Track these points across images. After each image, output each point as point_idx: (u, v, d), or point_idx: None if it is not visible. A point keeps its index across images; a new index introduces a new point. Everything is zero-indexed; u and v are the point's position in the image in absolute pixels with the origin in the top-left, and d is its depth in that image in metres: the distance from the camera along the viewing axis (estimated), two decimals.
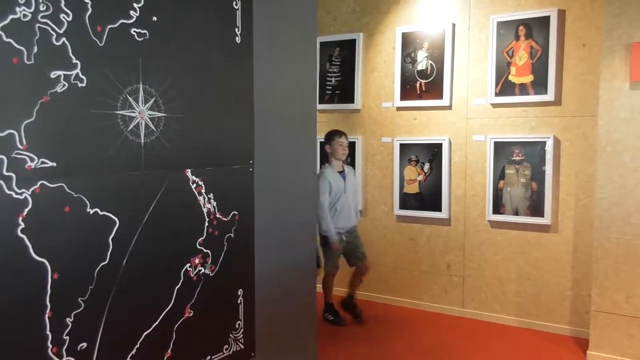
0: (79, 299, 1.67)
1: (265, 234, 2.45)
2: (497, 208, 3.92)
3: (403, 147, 4.29)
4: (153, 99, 1.87)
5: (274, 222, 2.53)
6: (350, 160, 4.58)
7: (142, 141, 1.85)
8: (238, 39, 2.25)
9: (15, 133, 1.48)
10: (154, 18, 1.86)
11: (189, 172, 2.03)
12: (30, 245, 1.53)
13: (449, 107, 4.15)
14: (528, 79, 3.80)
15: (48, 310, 1.57)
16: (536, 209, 3.78)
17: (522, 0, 3.83)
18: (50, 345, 1.60)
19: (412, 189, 4.29)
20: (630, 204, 3.18)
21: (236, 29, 2.24)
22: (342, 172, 4.02)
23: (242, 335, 2.35)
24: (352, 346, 3.63)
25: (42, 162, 1.55)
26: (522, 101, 3.83)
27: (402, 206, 4.33)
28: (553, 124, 3.77)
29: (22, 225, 1.51)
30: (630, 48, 3.12)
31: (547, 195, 3.75)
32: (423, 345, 3.60)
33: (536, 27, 3.74)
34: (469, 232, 4.12)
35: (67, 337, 1.64)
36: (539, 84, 3.76)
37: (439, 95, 4.15)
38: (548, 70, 3.71)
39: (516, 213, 3.85)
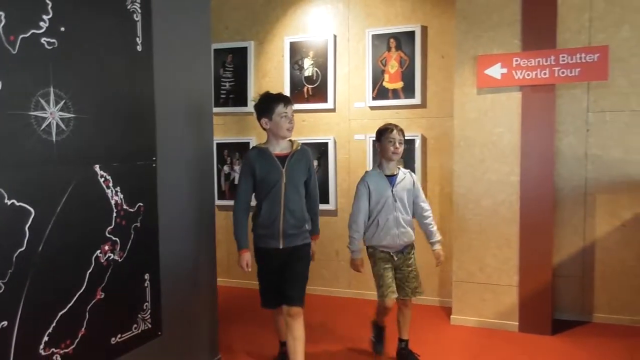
0: (11, 277, 1.85)
1: (169, 224, 2.71)
2: None
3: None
4: (63, 102, 2.08)
5: (176, 214, 2.79)
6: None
7: (54, 139, 2.05)
8: (139, 48, 2.50)
9: None
10: (62, 29, 2.07)
11: (97, 168, 2.26)
12: None
13: (333, 110, 4.62)
14: (399, 85, 4.36)
15: None
16: None
17: (392, 16, 4.40)
18: None
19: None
20: (480, 190, 3.82)
21: (137, 39, 2.49)
22: (392, 177, 3.10)
23: (149, 316, 2.59)
24: (252, 328, 3.94)
25: None
26: (395, 104, 4.38)
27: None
28: (420, 124, 4.36)
29: None
30: (476, 60, 3.75)
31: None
32: (317, 324, 4.00)
33: (404, 40, 4.32)
34: None
35: None
36: (408, 89, 4.34)
37: (324, 99, 4.60)
38: (415, 78, 4.30)
39: None
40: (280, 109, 2.76)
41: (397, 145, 3.05)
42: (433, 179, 4.36)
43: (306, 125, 4.72)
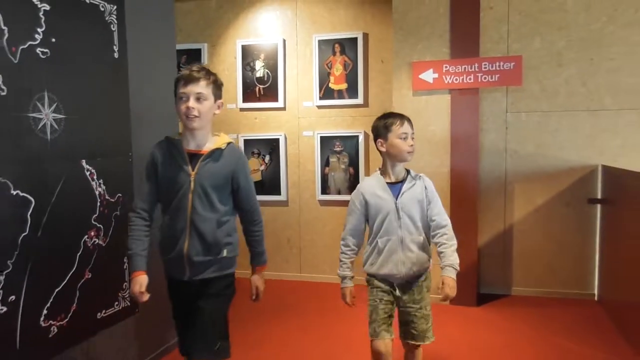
0: (8, 261, 2.12)
1: None
2: (325, 189, 4.87)
3: (247, 142, 5.03)
4: (55, 104, 2.36)
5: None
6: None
7: (49, 137, 2.33)
8: (116, 55, 2.79)
9: None
10: (53, 39, 2.35)
11: (84, 162, 2.54)
12: None
13: (284, 108, 5.00)
14: (343, 86, 4.80)
15: None
16: (354, 188, 4.79)
17: (337, 23, 4.82)
18: None
19: (256, 177, 5.05)
20: None
21: (114, 47, 2.78)
22: (397, 184, 2.35)
23: (128, 295, 2.89)
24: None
25: None
26: (340, 104, 4.82)
27: None
28: (363, 122, 4.82)
29: None
30: (411, 66, 4.25)
31: (362, 177, 4.80)
32: (268, 307, 4.37)
33: (348, 46, 4.76)
34: (303, 211, 5.01)
35: (1, 291, 2.09)
36: (352, 90, 4.78)
37: (275, 99, 4.97)
38: (358, 80, 4.75)
39: (339, 192, 4.85)
40: (177, 89, 2.14)
41: (412, 140, 2.32)
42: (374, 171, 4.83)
43: (257, 123, 5.07)
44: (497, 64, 4.06)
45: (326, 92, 4.83)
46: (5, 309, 2.10)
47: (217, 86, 2.15)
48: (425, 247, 2.35)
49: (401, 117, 2.35)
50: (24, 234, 2.19)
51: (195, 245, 2.10)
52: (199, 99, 2.07)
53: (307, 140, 4.96)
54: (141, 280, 2.12)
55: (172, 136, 2.18)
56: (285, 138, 4.99)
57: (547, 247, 4.38)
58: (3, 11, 2.07)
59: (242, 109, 5.07)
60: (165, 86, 3.30)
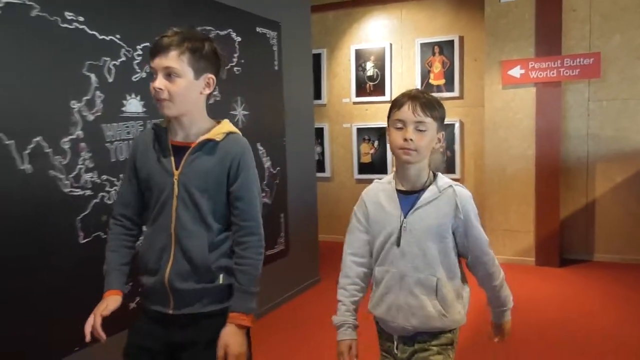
0: None
1: (292, 183, 4.11)
2: None
3: (359, 130, 6.03)
4: (243, 104, 3.48)
5: (295, 177, 4.18)
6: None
7: (240, 127, 3.45)
8: (276, 67, 3.88)
9: None
10: (242, 60, 3.46)
11: (258, 144, 3.66)
12: None
13: (390, 101, 5.92)
14: (442, 81, 5.64)
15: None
16: (450, 168, 5.65)
17: (436, 28, 5.66)
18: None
19: (366, 159, 6.04)
20: (504, 161, 5.08)
21: (275, 62, 3.87)
22: (412, 195, 1.61)
23: (284, 241, 4.00)
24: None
25: None
26: (439, 96, 5.62)
27: (360, 172, 6.08)
28: (459, 112, 5.63)
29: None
30: (501, 64, 5.00)
31: (457, 159, 5.63)
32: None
33: (445, 47, 5.59)
34: None
35: None
36: (449, 85, 5.61)
37: (383, 93, 5.91)
38: (454, 76, 5.57)
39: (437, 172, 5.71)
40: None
41: (415, 132, 1.53)
42: (469, 155, 5.64)
43: (368, 114, 6.05)
44: (578, 60, 4.71)
45: (427, 87, 5.70)
46: None
47: (200, 56, 1.49)
48: (441, 298, 1.57)
49: (407, 98, 1.56)
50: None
51: (179, 268, 1.51)
52: (169, 75, 1.45)
53: None
54: (108, 302, 1.51)
55: (160, 123, 1.59)
56: None
57: (627, 220, 4.96)
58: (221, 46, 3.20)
59: (355, 103, 6.07)
60: (303, 86, 4.37)
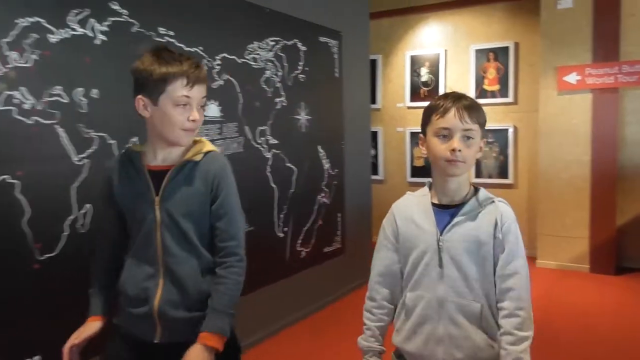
0: (284, 206, 3.50)
1: (350, 184, 4.31)
2: (478, 173, 5.83)
3: (413, 134, 6.17)
4: (307, 109, 3.71)
5: (351, 177, 4.38)
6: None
7: (303, 130, 3.69)
8: (337, 74, 4.10)
9: (268, 128, 3.32)
10: (307, 68, 3.69)
11: (319, 147, 3.88)
12: (272, 177, 3.37)
13: None
14: (496, 87, 5.71)
15: None
16: (503, 173, 5.70)
17: (491, 35, 5.74)
18: None
19: (419, 163, 6.17)
20: (559, 166, 5.11)
21: (335, 69, 4.08)
22: (450, 209, 1.45)
23: (340, 239, 4.20)
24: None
25: (273, 141, 3.39)
26: (493, 102, 5.73)
27: (412, 175, 6.21)
28: (513, 117, 5.68)
29: (269, 168, 3.35)
30: (557, 70, 5.04)
31: (510, 164, 5.68)
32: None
33: (500, 54, 5.66)
34: None
35: (282, 224, 3.48)
36: (503, 90, 5.67)
37: None
38: (508, 82, 5.63)
39: (490, 176, 5.78)
40: (175, 88, 1.41)
41: (461, 142, 1.38)
42: (522, 160, 5.68)
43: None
44: (637, 66, 4.70)
45: (481, 93, 5.78)
46: (282, 234, 3.49)
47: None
48: (487, 326, 1.40)
49: (451, 102, 1.40)
50: (291, 191, 3.57)
51: (170, 297, 1.45)
52: (201, 106, 1.47)
53: None
54: (83, 329, 1.48)
55: (133, 148, 1.55)
56: None
57: None
58: (287, 54, 3.45)
59: (409, 107, 6.21)
60: (361, 91, 4.57)
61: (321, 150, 3.90)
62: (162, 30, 2.54)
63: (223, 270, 1.46)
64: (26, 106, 1.98)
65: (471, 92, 5.85)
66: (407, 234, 1.48)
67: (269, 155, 3.34)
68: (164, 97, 1.40)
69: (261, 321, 3.32)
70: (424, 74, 6.11)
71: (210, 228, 1.49)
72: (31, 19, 1.98)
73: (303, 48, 3.64)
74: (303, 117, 3.68)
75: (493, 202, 1.45)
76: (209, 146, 1.52)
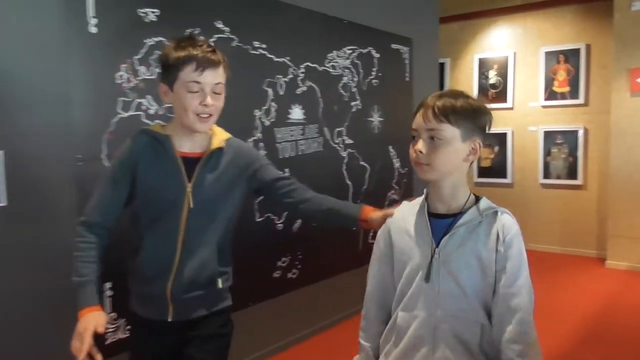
0: (357, 201, 3.80)
1: (418, 183, 4.54)
2: (546, 175, 5.88)
3: None
4: (380, 112, 3.98)
5: None
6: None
7: (376, 131, 3.97)
8: (407, 78, 4.35)
9: (344, 129, 3.63)
10: (380, 74, 3.96)
11: (390, 147, 4.14)
12: (347, 175, 3.68)
13: (511, 108, 6.13)
14: (566, 89, 5.74)
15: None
16: (572, 175, 5.73)
17: (561, 37, 5.78)
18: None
19: (486, 163, 6.29)
20: (631, 168, 5.09)
21: (406, 73, 4.33)
22: (446, 219, 1.31)
23: None
24: None
25: (349, 141, 3.69)
26: (563, 104, 5.77)
27: (479, 176, 6.33)
28: (583, 119, 5.70)
29: (345, 166, 3.66)
30: (630, 71, 5.03)
31: (579, 166, 5.69)
32: None
33: (571, 55, 5.69)
34: (526, 192, 6.09)
35: None
36: (574, 92, 5.70)
37: (505, 100, 6.13)
38: (579, 84, 5.65)
39: (558, 177, 5.81)
40: (186, 74, 1.43)
41: (421, 144, 1.27)
42: (593, 161, 5.68)
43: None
44: None
45: (550, 94, 5.83)
46: (356, 227, 3.78)
47: (229, 70, 1.52)
48: (489, 347, 1.26)
49: (429, 100, 1.30)
50: (364, 187, 3.86)
51: (184, 279, 1.50)
52: (215, 92, 1.46)
53: (531, 135, 6.01)
54: (98, 318, 1.39)
55: (155, 129, 1.53)
56: (512, 132, 6.12)
57: None
58: (362, 61, 3.75)
59: None
60: (430, 94, 4.77)
61: (392, 150, 4.16)
62: (256, 44, 2.90)
63: (308, 191, 1.63)
64: (151, 111, 2.39)
65: (540, 94, 5.92)
66: (401, 246, 1.34)
67: (344, 154, 3.65)
68: (178, 83, 1.43)
69: (339, 304, 3.63)
70: (492, 77, 6.22)
71: (234, 210, 1.59)
72: (156, 39, 2.39)
73: (377, 55, 3.92)
74: (376, 119, 3.96)
75: (495, 212, 1.30)
76: (226, 133, 1.59)
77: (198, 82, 1.42)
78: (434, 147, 1.26)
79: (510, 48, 6.12)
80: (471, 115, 1.27)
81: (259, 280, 3.00)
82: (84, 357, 1.32)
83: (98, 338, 1.37)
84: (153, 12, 2.38)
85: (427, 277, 1.27)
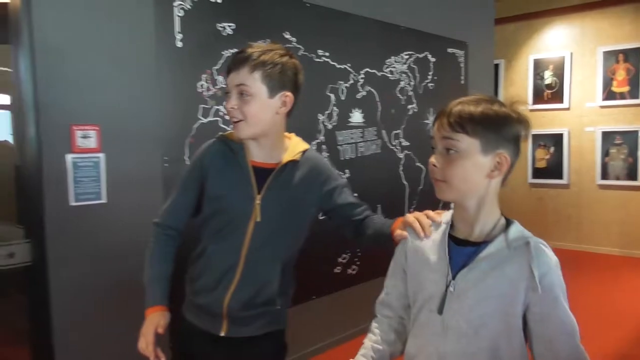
0: (414, 201, 3.93)
1: None
2: (604, 175, 5.80)
3: (535, 136, 6.26)
4: (434, 115, 4.09)
5: None
6: None
7: (431, 133, 4.08)
8: (462, 81, 4.43)
9: (401, 132, 3.77)
10: (435, 77, 4.07)
11: None
12: (403, 175, 3.81)
13: (568, 109, 6.08)
14: (625, 89, 5.65)
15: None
16: (632, 175, 5.63)
17: (621, 36, 5.69)
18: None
19: (541, 164, 6.26)
20: None
21: (461, 77, 4.42)
22: (471, 246, 1.14)
23: None
24: None
25: (405, 143, 3.82)
26: (621, 104, 5.68)
27: (534, 176, 6.31)
28: None
29: (401, 167, 3.79)
30: None
31: (639, 166, 5.60)
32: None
33: (631, 55, 5.59)
34: (583, 193, 6.02)
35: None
36: (634, 92, 5.60)
37: (561, 101, 6.08)
38: (639, 83, 5.56)
39: (617, 178, 5.72)
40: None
41: (436, 157, 1.14)
42: None
43: (545, 121, 6.26)
44: None
45: (608, 94, 5.75)
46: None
47: (276, 73, 1.38)
48: None
49: (450, 106, 1.15)
50: (419, 187, 3.98)
51: (243, 295, 1.44)
52: (241, 94, 1.37)
53: (588, 135, 5.95)
54: (160, 318, 1.40)
55: (230, 137, 1.48)
56: (569, 133, 6.07)
57: None
58: (419, 66, 3.87)
59: (531, 110, 6.32)
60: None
61: None
62: (320, 52, 3.08)
63: (373, 217, 1.51)
64: (227, 117, 2.61)
65: (598, 94, 5.85)
66: (416, 270, 1.21)
67: (401, 155, 3.78)
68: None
69: None
70: (548, 77, 6.18)
71: (303, 226, 1.50)
72: (232, 50, 2.60)
73: (433, 59, 4.03)
74: (431, 121, 4.07)
75: (528, 242, 1.09)
76: (303, 144, 1.50)
77: (226, 85, 1.40)
78: (449, 160, 1.09)
79: (567, 48, 6.07)
80: (495, 124, 1.09)
81: (321, 275, 3.19)
82: (154, 357, 1.36)
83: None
84: (230, 26, 2.61)
85: (440, 310, 1.12)
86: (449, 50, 4.23)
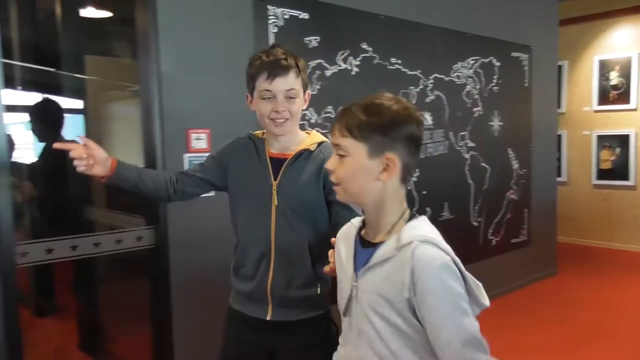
0: (479, 199, 4.11)
1: (537, 183, 4.73)
2: None
3: (600, 137, 6.26)
4: (500, 117, 4.26)
5: (539, 177, 4.78)
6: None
7: (495, 134, 4.24)
8: (526, 84, 4.57)
9: (467, 133, 3.96)
10: (500, 81, 4.23)
11: (509, 149, 4.40)
12: (469, 175, 4.01)
13: (635, 109, 6.04)
14: None
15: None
16: None
17: None
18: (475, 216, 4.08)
19: (606, 165, 6.24)
20: None
21: (525, 80, 4.56)
22: (372, 247, 1.14)
23: (526, 232, 4.66)
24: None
25: (471, 144, 4.01)
26: None
27: (599, 177, 6.30)
28: None
29: (467, 167, 3.99)
30: None
31: None
32: (613, 276, 5.55)
33: None
34: None
35: (477, 214, 4.09)
36: None
37: (627, 101, 6.05)
38: None
39: None
40: (260, 84, 1.52)
41: (331, 163, 1.16)
42: None
43: (610, 121, 6.24)
44: None
45: None
46: (477, 223, 4.10)
47: (306, 75, 1.56)
48: None
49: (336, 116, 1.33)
50: (484, 187, 4.15)
51: (281, 276, 1.54)
52: (289, 97, 1.50)
53: None
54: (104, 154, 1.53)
55: (256, 134, 1.64)
56: (636, 134, 6.04)
57: None
58: (484, 70, 4.06)
59: (596, 111, 6.32)
60: (548, 98, 4.94)
61: (511, 152, 4.41)
62: (393, 59, 3.34)
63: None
64: (312, 120, 2.91)
65: None
66: (339, 272, 1.22)
67: (467, 156, 3.98)
68: (255, 92, 1.52)
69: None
70: (614, 78, 6.17)
71: (322, 211, 1.55)
72: (317, 61, 2.91)
73: (497, 64, 4.20)
74: (496, 123, 4.24)
75: (414, 246, 1.04)
76: (320, 137, 1.60)
77: (269, 90, 1.49)
78: (340, 164, 1.12)
79: (634, 49, 6.04)
80: (381, 128, 1.08)
81: None
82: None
83: None
84: (315, 39, 2.91)
85: (345, 312, 1.16)
86: (513, 54, 4.39)
